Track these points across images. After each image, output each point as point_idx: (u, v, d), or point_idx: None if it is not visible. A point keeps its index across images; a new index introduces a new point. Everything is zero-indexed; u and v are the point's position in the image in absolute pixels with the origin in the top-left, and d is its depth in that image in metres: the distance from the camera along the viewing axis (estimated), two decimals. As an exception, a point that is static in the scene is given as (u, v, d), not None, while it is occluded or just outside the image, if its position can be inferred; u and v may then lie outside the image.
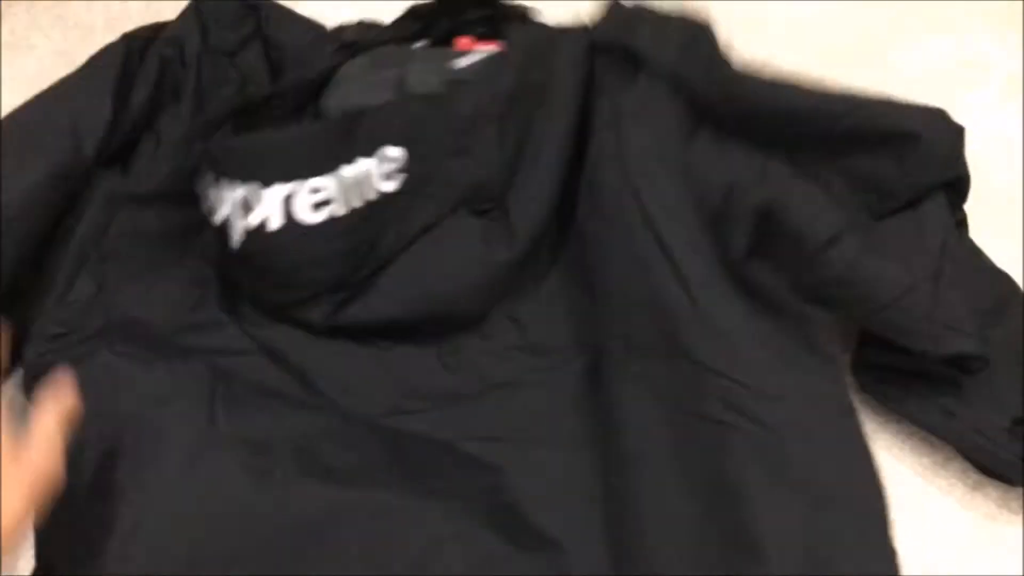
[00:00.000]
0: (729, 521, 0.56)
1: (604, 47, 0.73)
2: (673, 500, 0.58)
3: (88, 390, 0.60)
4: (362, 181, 0.63)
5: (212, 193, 0.64)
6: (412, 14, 0.77)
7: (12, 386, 0.69)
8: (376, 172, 0.63)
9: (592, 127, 0.71)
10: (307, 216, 0.62)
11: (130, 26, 0.89)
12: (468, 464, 0.61)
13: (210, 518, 0.57)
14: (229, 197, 0.62)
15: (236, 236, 0.62)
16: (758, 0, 0.93)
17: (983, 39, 0.91)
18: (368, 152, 0.63)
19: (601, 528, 0.58)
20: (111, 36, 0.89)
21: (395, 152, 0.64)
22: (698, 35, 0.72)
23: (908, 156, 0.67)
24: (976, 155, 0.69)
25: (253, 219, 0.61)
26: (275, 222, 0.61)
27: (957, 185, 0.69)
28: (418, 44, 0.76)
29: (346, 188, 0.62)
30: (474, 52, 0.74)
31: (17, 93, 0.86)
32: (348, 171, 0.62)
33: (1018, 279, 0.71)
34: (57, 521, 0.59)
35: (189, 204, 0.69)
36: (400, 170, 0.64)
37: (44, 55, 0.90)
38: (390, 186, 0.64)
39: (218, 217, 0.63)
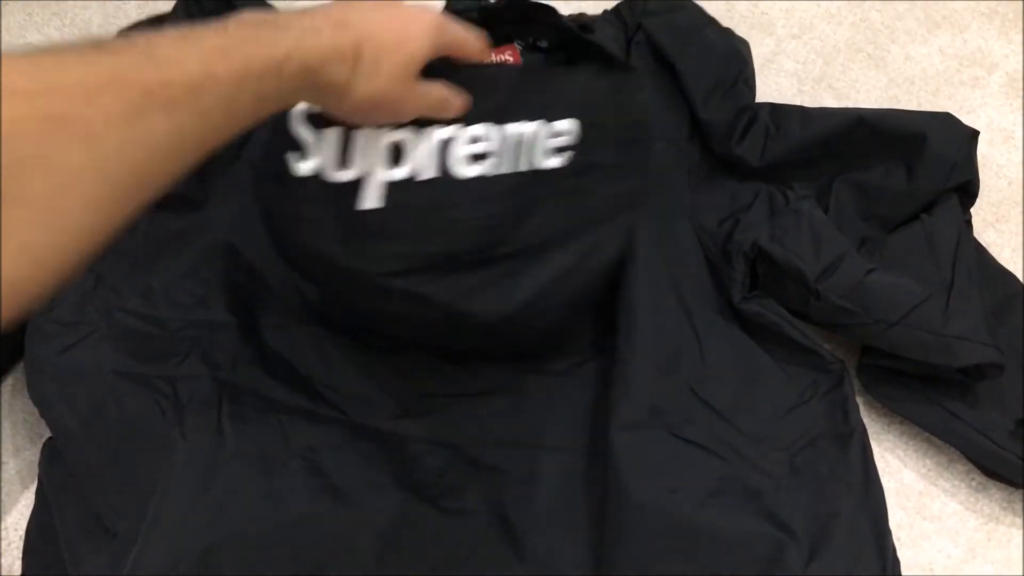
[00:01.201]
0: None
1: (649, 43, 0.74)
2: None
3: (95, 412, 0.61)
4: (528, 144, 0.55)
5: (337, 148, 0.54)
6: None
7: (11, 383, 0.69)
8: (542, 141, 0.56)
9: None
10: (461, 168, 0.54)
11: (127, 24, 0.88)
12: (473, 471, 0.61)
13: (222, 542, 0.57)
14: (370, 147, 0.53)
15: (373, 192, 0.53)
16: (761, 0, 0.93)
17: (985, 37, 0.91)
18: (537, 116, 0.56)
19: (587, 546, 0.58)
20: (107, 34, 0.88)
21: (567, 126, 0.56)
22: (738, 82, 0.72)
23: (918, 165, 0.68)
24: (978, 153, 0.69)
25: (400, 170, 0.53)
26: (428, 171, 0.53)
27: (967, 187, 0.69)
28: None
29: (509, 146, 0.55)
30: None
31: (13, 91, 0.85)
32: (514, 128, 0.55)
33: (1019, 277, 0.70)
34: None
35: (185, 204, 0.68)
36: (569, 147, 0.56)
37: (40, 53, 0.90)
38: (554, 162, 0.56)
39: (344, 175, 0.54)
